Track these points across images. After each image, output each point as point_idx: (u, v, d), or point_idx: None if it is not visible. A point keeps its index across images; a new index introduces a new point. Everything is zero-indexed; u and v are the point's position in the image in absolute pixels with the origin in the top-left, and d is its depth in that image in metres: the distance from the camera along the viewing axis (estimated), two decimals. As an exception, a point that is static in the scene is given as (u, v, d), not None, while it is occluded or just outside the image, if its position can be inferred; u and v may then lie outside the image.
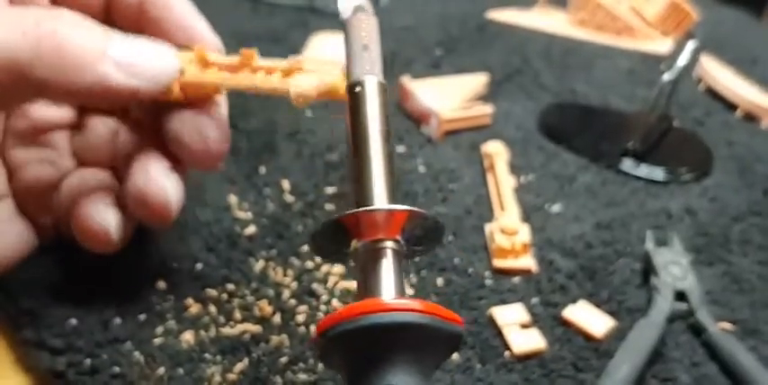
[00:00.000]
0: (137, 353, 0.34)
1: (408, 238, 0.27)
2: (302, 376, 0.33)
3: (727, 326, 0.38)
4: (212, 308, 0.36)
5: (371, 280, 0.26)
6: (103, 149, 0.35)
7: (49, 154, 0.35)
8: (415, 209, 0.26)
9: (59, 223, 0.35)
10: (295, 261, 0.40)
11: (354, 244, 0.27)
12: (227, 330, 0.35)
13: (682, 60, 0.49)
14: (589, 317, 0.37)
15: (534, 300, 0.38)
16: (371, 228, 0.26)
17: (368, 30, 0.28)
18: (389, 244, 0.26)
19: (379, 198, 0.26)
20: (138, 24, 0.33)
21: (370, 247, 0.26)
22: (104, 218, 0.33)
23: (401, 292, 0.25)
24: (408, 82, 0.52)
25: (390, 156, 0.27)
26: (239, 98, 0.36)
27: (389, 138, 0.28)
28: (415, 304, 0.24)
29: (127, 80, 0.29)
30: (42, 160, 0.35)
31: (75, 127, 0.36)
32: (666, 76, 0.49)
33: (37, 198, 0.35)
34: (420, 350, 0.24)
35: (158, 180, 0.32)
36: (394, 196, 0.27)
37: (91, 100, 0.30)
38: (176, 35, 0.33)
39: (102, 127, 0.35)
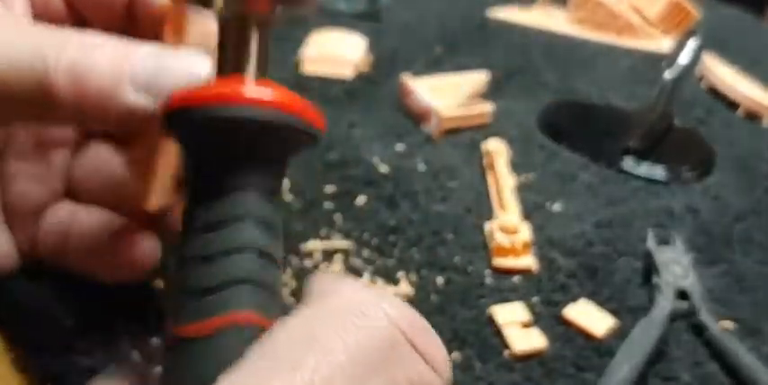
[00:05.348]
0: (136, 354, 0.34)
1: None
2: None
3: (728, 325, 0.38)
4: (211, 307, 0.36)
5: (234, 52, 0.23)
6: (96, 179, 0.33)
7: (42, 170, 0.33)
8: None
9: (39, 247, 0.33)
10: (294, 259, 0.39)
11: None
12: (225, 329, 0.35)
13: (683, 59, 0.49)
14: (590, 317, 0.37)
15: (535, 299, 0.38)
16: None
17: None
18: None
19: None
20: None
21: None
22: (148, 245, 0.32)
23: (264, 71, 0.23)
24: (409, 80, 0.52)
25: None
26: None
27: None
28: (279, 94, 0.22)
29: (147, 102, 0.27)
30: (33, 176, 0.33)
31: (77, 149, 0.34)
32: (668, 75, 0.48)
33: (19, 214, 0.33)
34: (277, 146, 0.23)
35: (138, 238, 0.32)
36: None
37: (109, 125, 0.28)
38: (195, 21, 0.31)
39: (98, 155, 0.33)
